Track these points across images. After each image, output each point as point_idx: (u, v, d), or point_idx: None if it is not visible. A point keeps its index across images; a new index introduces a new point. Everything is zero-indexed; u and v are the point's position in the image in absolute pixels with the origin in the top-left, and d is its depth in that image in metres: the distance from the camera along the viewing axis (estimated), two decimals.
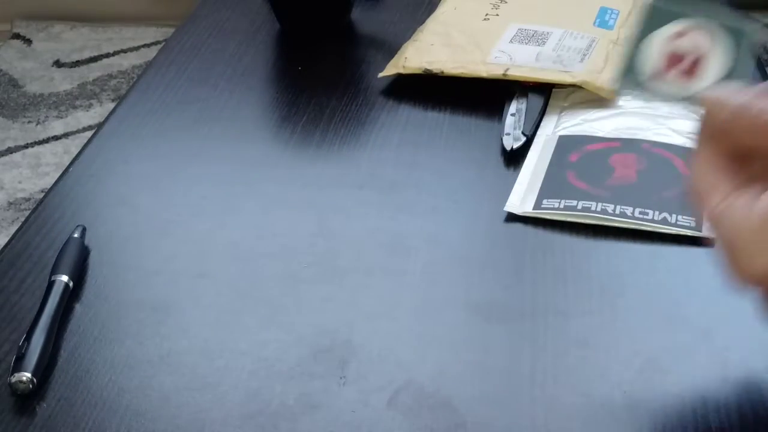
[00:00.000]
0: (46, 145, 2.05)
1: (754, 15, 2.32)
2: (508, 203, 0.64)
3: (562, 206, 0.63)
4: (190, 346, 0.55)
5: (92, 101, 2.19)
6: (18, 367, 0.51)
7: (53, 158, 2.00)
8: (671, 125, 0.71)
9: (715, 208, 0.46)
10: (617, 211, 0.62)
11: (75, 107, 2.17)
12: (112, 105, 2.08)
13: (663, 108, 0.73)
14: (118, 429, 0.50)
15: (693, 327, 0.54)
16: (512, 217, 0.63)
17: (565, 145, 0.69)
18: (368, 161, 0.71)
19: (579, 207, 0.63)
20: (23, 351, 0.52)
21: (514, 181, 0.67)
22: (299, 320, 0.56)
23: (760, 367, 0.52)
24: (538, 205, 0.63)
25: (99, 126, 0.77)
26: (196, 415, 0.50)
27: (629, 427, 0.49)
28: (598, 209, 0.62)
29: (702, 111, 0.48)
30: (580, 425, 0.49)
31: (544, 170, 0.67)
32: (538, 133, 0.71)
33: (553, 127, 0.72)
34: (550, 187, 0.65)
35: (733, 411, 0.49)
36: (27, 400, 0.51)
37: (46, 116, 2.14)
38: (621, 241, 0.61)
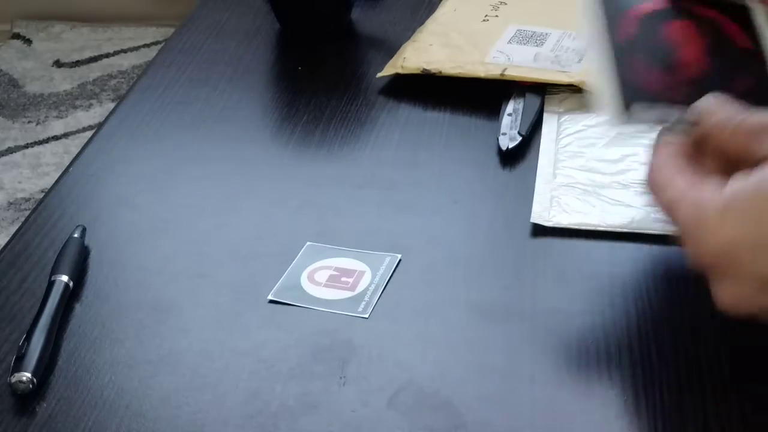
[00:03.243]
0: (46, 145, 2.05)
1: None
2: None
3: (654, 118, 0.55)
4: (190, 346, 0.55)
5: (92, 101, 2.19)
6: (18, 367, 0.51)
7: (53, 158, 2.00)
8: None
9: (672, 197, 0.49)
10: None
11: (75, 107, 2.17)
12: (112, 105, 2.08)
13: None
14: (118, 429, 0.50)
15: (691, 327, 0.55)
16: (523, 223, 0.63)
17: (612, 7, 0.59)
18: (368, 161, 0.71)
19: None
20: (23, 351, 0.52)
21: (513, 181, 0.67)
22: (299, 320, 0.56)
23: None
24: (627, 114, 0.55)
25: (99, 126, 0.77)
26: (196, 415, 0.50)
27: (629, 427, 0.49)
28: None
29: (691, 116, 0.52)
30: (581, 425, 0.49)
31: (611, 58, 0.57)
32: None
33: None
34: (628, 79, 0.56)
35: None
36: (27, 400, 0.51)
37: (46, 116, 2.14)
38: (621, 241, 0.61)
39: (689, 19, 0.58)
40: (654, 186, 0.51)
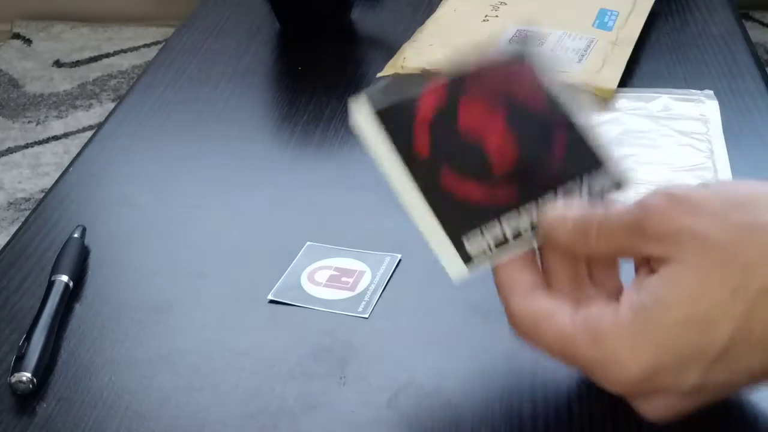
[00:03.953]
0: (46, 145, 2.05)
1: (754, 15, 2.32)
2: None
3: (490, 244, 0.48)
4: (190, 346, 0.55)
5: (92, 101, 2.19)
6: (18, 367, 0.51)
7: (53, 158, 2.00)
8: (674, 126, 0.71)
9: (556, 338, 0.45)
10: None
11: (75, 107, 2.17)
12: (112, 105, 2.08)
13: (661, 108, 0.73)
14: (118, 429, 0.50)
15: None
16: None
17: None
18: (368, 161, 0.71)
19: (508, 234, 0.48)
20: (23, 351, 0.52)
21: None
22: (299, 320, 0.56)
23: None
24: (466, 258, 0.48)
25: (99, 126, 0.77)
26: (196, 415, 0.50)
27: (631, 425, 0.49)
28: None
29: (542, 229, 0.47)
30: (581, 425, 0.49)
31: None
32: None
33: None
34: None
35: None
36: (27, 400, 0.51)
37: (46, 116, 2.14)
38: None
39: (476, 99, 0.49)
40: (527, 332, 0.46)
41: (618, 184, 0.50)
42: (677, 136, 0.70)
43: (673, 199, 0.44)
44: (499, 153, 0.48)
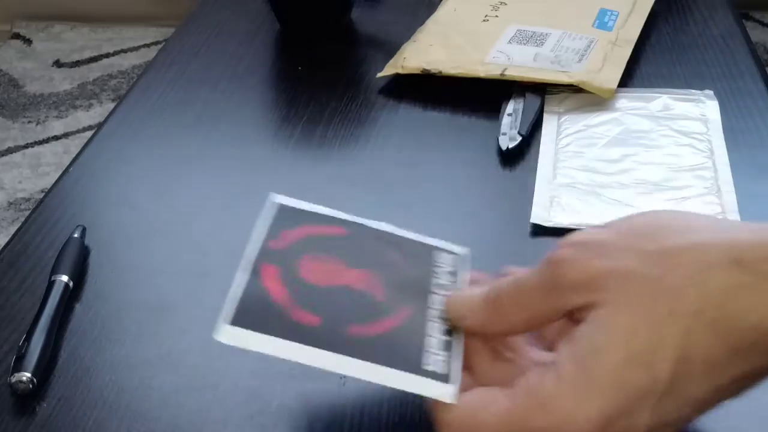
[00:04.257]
0: (46, 145, 2.05)
1: (754, 15, 2.32)
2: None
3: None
4: (190, 346, 0.55)
5: (92, 101, 2.19)
6: (18, 367, 0.51)
7: (53, 158, 2.00)
8: (673, 126, 0.71)
9: (444, 412, 0.43)
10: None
11: (75, 107, 2.17)
12: (112, 105, 2.08)
13: (661, 108, 0.73)
14: (118, 429, 0.50)
15: None
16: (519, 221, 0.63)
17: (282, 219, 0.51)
18: (368, 161, 0.71)
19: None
20: (23, 351, 0.52)
21: (513, 181, 0.67)
22: None
23: None
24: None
25: (99, 126, 0.77)
26: (196, 415, 0.50)
27: None
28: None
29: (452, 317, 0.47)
30: None
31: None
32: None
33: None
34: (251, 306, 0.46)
35: None
36: (27, 400, 0.51)
37: (46, 116, 2.14)
38: None
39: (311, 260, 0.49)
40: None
41: (464, 257, 0.52)
42: (677, 136, 0.70)
43: (580, 246, 0.43)
44: (365, 284, 0.48)
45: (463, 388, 0.44)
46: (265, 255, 0.48)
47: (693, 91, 0.75)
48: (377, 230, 0.52)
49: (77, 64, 2.35)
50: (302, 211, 0.52)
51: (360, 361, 0.44)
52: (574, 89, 0.75)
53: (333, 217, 0.52)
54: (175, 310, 0.57)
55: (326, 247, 0.50)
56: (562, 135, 0.71)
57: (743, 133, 0.71)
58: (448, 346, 0.46)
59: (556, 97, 0.75)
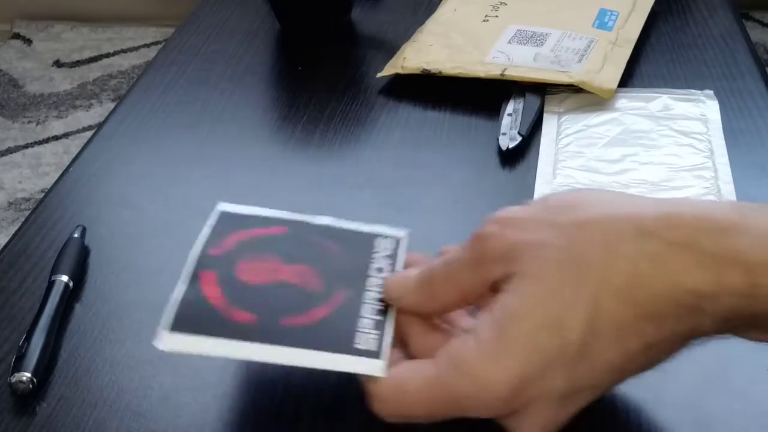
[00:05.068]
0: (46, 145, 2.05)
1: (754, 15, 2.32)
2: None
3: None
4: None
5: (92, 101, 2.19)
6: (18, 367, 0.51)
7: (53, 158, 2.00)
8: (674, 126, 0.71)
9: (375, 386, 0.45)
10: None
11: (75, 107, 2.17)
12: (112, 105, 2.08)
13: (661, 108, 0.73)
14: (118, 429, 0.50)
15: None
16: None
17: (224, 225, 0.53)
18: (368, 161, 0.71)
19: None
20: (23, 351, 0.52)
21: (513, 181, 0.67)
22: None
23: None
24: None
25: (99, 126, 0.77)
26: (196, 415, 0.50)
27: (627, 426, 0.49)
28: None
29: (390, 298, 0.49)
30: (579, 424, 0.49)
31: None
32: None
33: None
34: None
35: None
36: (27, 400, 0.51)
37: (46, 116, 2.14)
38: None
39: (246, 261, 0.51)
40: (395, 404, 0.45)
41: (398, 239, 0.54)
42: (677, 136, 0.70)
43: (501, 221, 0.46)
44: (300, 278, 0.50)
45: (397, 363, 0.46)
46: (203, 262, 0.50)
47: (693, 91, 0.75)
48: (317, 225, 0.54)
49: (77, 64, 2.35)
50: (244, 215, 0.54)
51: (293, 348, 0.46)
52: (574, 89, 0.75)
53: (274, 218, 0.54)
54: None
55: (265, 247, 0.52)
56: (562, 135, 0.71)
57: (743, 133, 0.71)
58: (380, 325, 0.48)
59: (556, 97, 0.75)
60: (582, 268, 0.42)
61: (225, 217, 0.54)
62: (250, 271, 0.50)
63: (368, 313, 0.49)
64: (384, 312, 0.49)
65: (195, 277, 0.49)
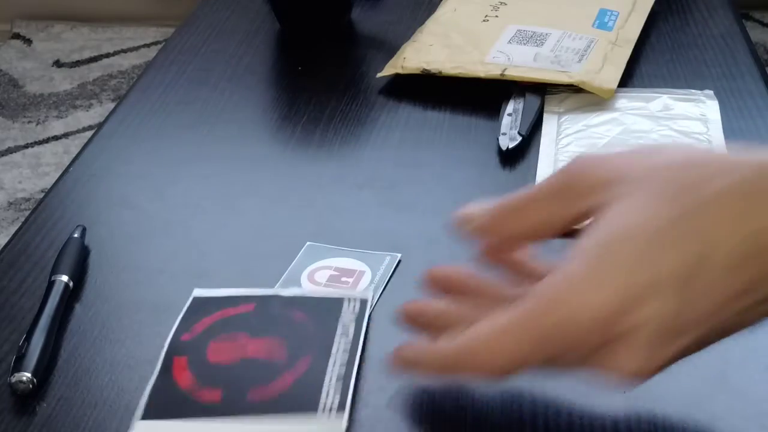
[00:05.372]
0: (46, 145, 2.05)
1: (754, 15, 2.32)
2: None
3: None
4: None
5: (92, 101, 2.19)
6: (18, 367, 0.51)
7: (53, 158, 2.00)
8: (674, 126, 0.71)
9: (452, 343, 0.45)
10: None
11: (75, 107, 2.17)
12: (112, 105, 2.08)
13: (661, 108, 0.73)
14: (118, 429, 0.50)
15: None
16: None
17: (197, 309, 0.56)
18: (368, 161, 0.71)
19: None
20: (23, 351, 0.52)
21: (513, 181, 0.67)
22: None
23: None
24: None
25: (99, 126, 0.77)
26: None
27: (627, 426, 0.49)
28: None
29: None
30: (580, 424, 0.49)
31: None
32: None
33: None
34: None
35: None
36: (27, 400, 0.51)
37: (46, 116, 2.14)
38: None
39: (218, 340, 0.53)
40: (480, 355, 0.43)
41: (365, 300, 0.55)
42: (677, 136, 0.70)
43: (594, 159, 0.44)
44: (266, 351, 0.52)
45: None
46: (175, 348, 0.53)
47: (693, 91, 0.75)
48: (285, 297, 0.56)
49: (77, 64, 2.35)
50: (215, 298, 0.56)
51: (257, 417, 0.48)
52: (574, 89, 0.75)
53: (243, 296, 0.56)
54: (175, 310, 0.57)
55: (234, 325, 0.54)
56: (562, 135, 0.71)
57: (743, 133, 0.71)
58: (346, 381, 0.50)
59: (556, 97, 0.75)
60: (693, 191, 0.40)
61: (197, 302, 0.56)
62: (219, 351, 0.52)
63: (332, 372, 0.50)
64: (349, 368, 0.51)
65: (167, 364, 0.52)
